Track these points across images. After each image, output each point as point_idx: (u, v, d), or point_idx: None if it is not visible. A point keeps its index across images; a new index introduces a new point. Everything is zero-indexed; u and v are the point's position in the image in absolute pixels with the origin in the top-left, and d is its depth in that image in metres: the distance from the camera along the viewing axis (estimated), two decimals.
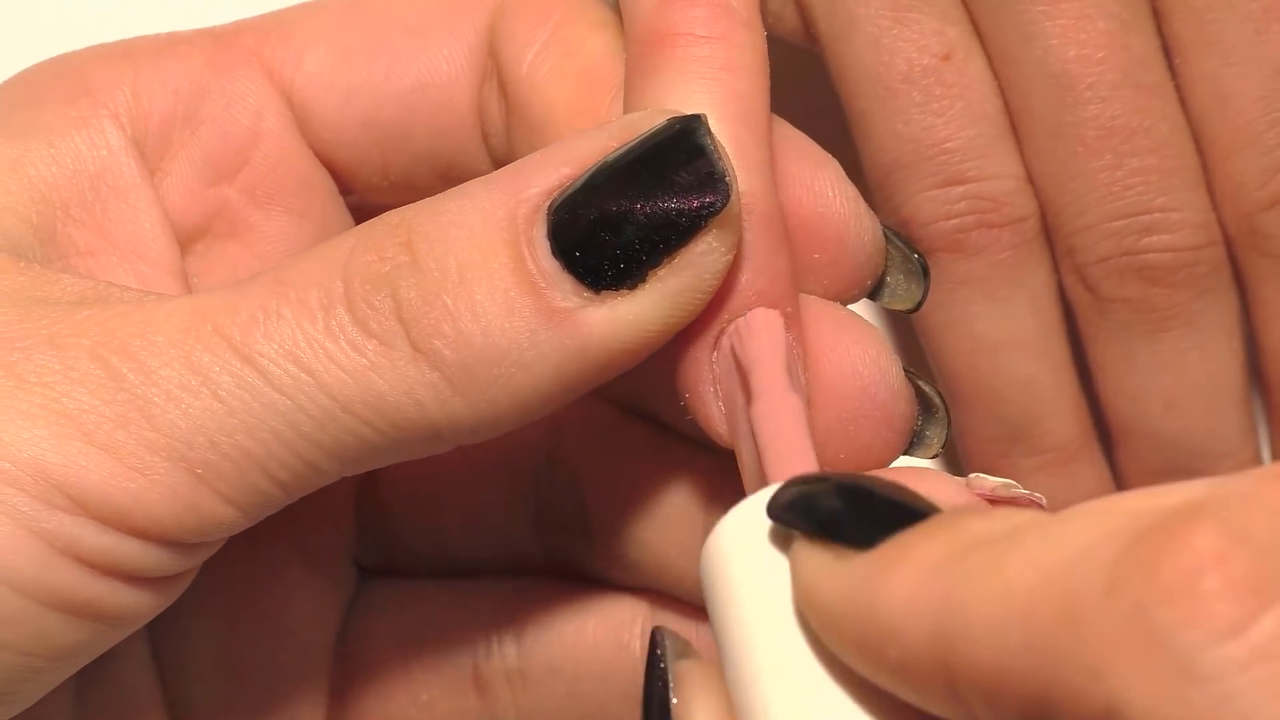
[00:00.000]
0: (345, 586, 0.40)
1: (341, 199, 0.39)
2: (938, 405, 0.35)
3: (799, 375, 0.33)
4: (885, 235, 0.35)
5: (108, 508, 0.32)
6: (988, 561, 0.27)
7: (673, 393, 0.34)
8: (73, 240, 0.36)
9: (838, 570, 0.29)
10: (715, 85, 0.33)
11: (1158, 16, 0.42)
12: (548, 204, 0.32)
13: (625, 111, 0.34)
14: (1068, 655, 0.26)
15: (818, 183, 0.35)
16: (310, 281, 0.33)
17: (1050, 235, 0.43)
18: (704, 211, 0.32)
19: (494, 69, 0.37)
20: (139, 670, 0.38)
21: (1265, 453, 0.44)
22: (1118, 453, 0.44)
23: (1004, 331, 0.42)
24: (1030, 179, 0.42)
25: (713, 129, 0.33)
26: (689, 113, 0.33)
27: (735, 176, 0.32)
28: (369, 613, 0.40)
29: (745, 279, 0.33)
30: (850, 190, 0.35)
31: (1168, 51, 0.42)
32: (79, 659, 0.33)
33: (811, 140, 0.35)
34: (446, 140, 0.37)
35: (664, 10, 0.34)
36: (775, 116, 0.35)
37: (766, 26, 0.34)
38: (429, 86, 0.37)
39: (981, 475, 0.34)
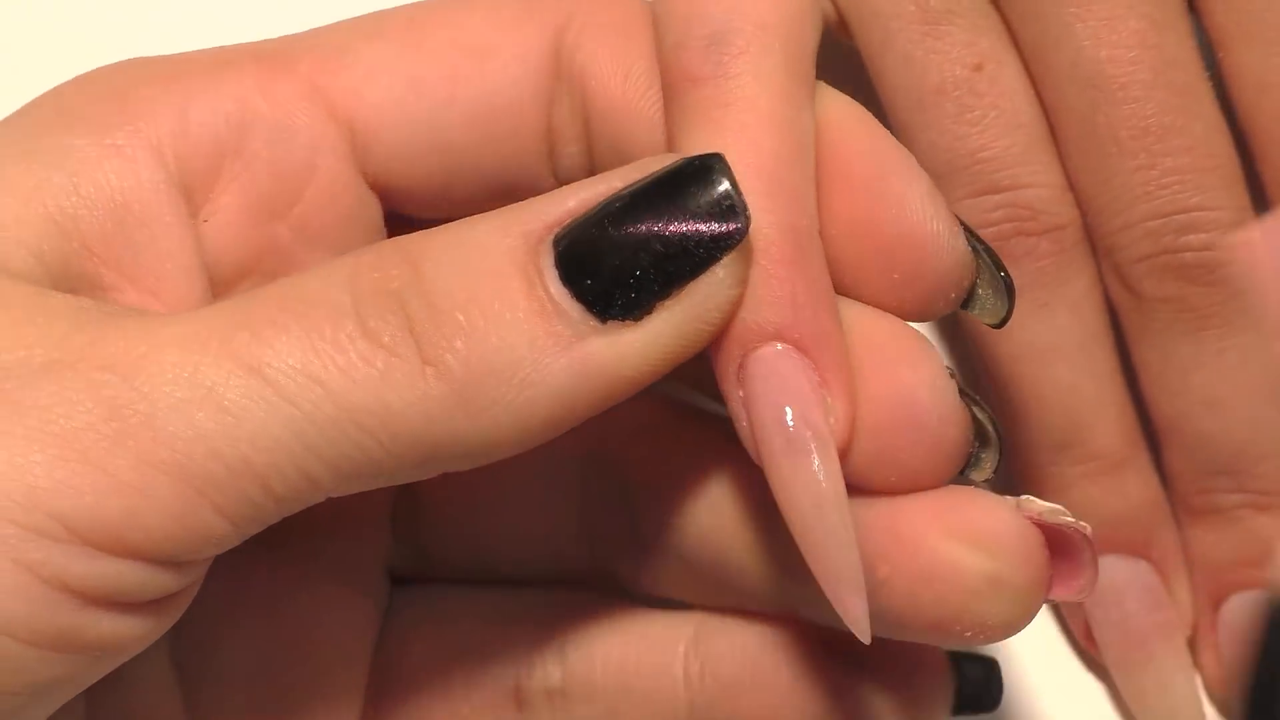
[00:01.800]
0: (379, 598, 0.40)
1: (384, 229, 0.38)
2: (990, 430, 0.35)
3: (818, 408, 0.33)
4: (975, 250, 0.35)
5: (99, 528, 0.31)
6: None
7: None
8: (86, 273, 0.35)
9: None
10: (739, 131, 0.34)
11: (1198, 11, 0.42)
12: (558, 231, 0.32)
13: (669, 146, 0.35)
14: None
15: (898, 196, 0.35)
16: (315, 297, 0.33)
17: (1092, 238, 0.43)
18: (721, 243, 0.32)
19: (567, 89, 0.36)
20: (158, 689, 0.38)
21: None
22: (1162, 454, 0.43)
23: (1046, 339, 0.42)
24: (1070, 184, 0.43)
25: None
26: (708, 152, 0.33)
27: (751, 212, 0.33)
28: (406, 625, 0.40)
29: (754, 311, 0.33)
30: (933, 205, 0.35)
31: (1211, 45, 0.42)
32: (64, 692, 0.33)
33: (897, 146, 0.35)
34: (512, 163, 0.37)
35: (688, 48, 0.34)
36: (861, 113, 0.35)
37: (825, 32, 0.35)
38: (496, 110, 0.37)
39: (1031, 499, 0.35)
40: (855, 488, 0.34)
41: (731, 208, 0.32)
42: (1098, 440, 0.43)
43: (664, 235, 0.32)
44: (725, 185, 0.32)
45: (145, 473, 0.31)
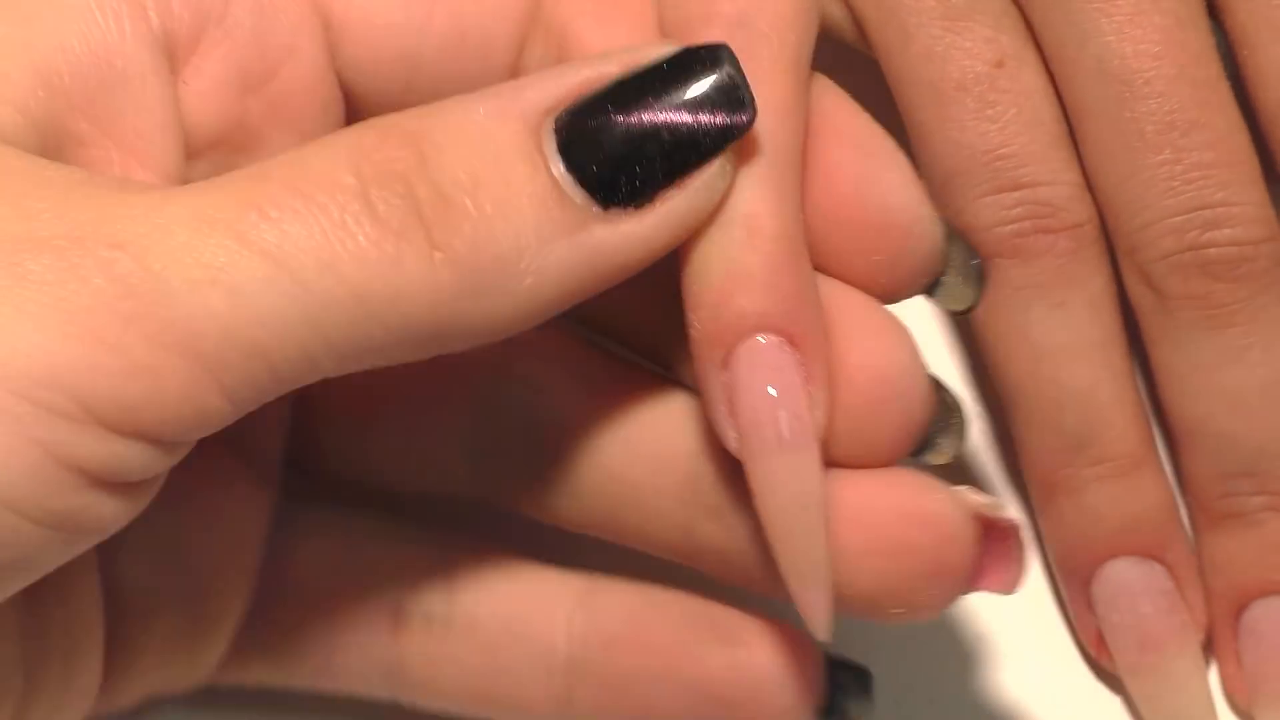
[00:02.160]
0: (273, 491, 0.40)
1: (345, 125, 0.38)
2: (956, 413, 0.36)
3: (806, 405, 0.33)
4: (947, 236, 0.36)
5: (115, 410, 0.31)
6: None
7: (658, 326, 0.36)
8: (71, 131, 0.35)
9: None
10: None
11: (1219, 12, 0.42)
12: (559, 114, 0.33)
13: None
14: None
15: (885, 182, 0.35)
16: (320, 177, 0.32)
17: (1112, 238, 0.43)
18: (728, 133, 0.33)
19: (543, 37, 0.36)
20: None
21: None
22: (1181, 457, 0.43)
23: (1063, 338, 0.42)
24: (1090, 183, 0.42)
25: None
26: (714, 43, 0.33)
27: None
28: (294, 535, 0.40)
29: (752, 301, 0.33)
30: (917, 191, 0.35)
31: (1234, 45, 0.42)
32: (40, 570, 0.33)
33: (883, 134, 0.35)
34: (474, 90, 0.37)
35: (712, 25, 0.34)
36: (851, 104, 0.35)
37: (825, 33, 0.35)
38: (469, 38, 0.36)
39: (968, 490, 0.35)
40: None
41: (740, 98, 0.33)
42: (1114, 442, 0.42)
43: (672, 125, 0.32)
44: (734, 75, 0.33)
45: (159, 354, 0.31)
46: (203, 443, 0.34)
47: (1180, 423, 0.43)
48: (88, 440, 0.31)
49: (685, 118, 0.32)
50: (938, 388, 0.35)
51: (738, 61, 0.33)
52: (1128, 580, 0.42)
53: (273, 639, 0.40)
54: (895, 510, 0.34)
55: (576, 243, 0.32)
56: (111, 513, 0.33)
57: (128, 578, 0.38)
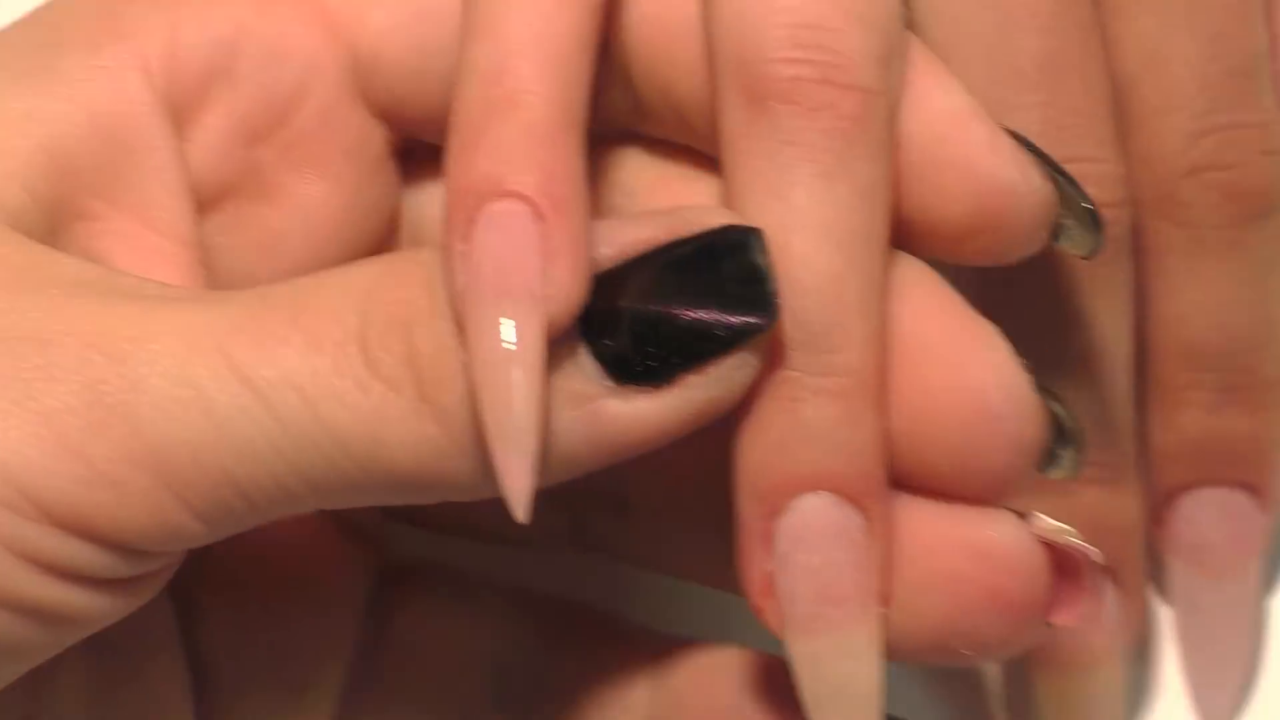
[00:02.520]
0: (376, 553, 0.39)
1: (391, 160, 0.37)
2: (1069, 426, 0.34)
3: (534, 271, 0.31)
4: (1056, 181, 0.35)
5: (70, 514, 0.31)
6: None
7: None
8: (80, 205, 0.35)
9: None
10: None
11: None
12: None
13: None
14: None
15: (982, 158, 0.34)
16: (324, 312, 0.32)
17: None
18: (747, 330, 0.31)
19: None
20: (160, 609, 0.37)
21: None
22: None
23: (823, 216, 0.34)
24: None
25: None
26: (746, 224, 0.32)
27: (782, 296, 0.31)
28: (396, 602, 0.39)
29: (495, 166, 0.31)
30: (1012, 150, 0.34)
31: (1102, 11, 0.42)
32: (31, 658, 0.33)
33: (972, 102, 0.34)
34: None
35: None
36: (946, 77, 0.34)
37: None
38: None
39: (1040, 515, 0.34)
40: (933, 495, 0.33)
41: (763, 294, 0.31)
42: (846, 350, 0.36)
43: (690, 316, 0.31)
44: (761, 267, 0.31)
45: (122, 466, 0.31)
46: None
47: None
48: (45, 537, 0.31)
49: (703, 312, 0.31)
50: (1048, 398, 0.34)
51: (767, 250, 0.32)
52: (824, 520, 0.34)
53: (374, 710, 0.39)
54: (953, 542, 0.33)
55: (584, 415, 0.31)
56: (97, 606, 0.32)
57: (217, 652, 0.38)
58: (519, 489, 0.31)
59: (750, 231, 0.32)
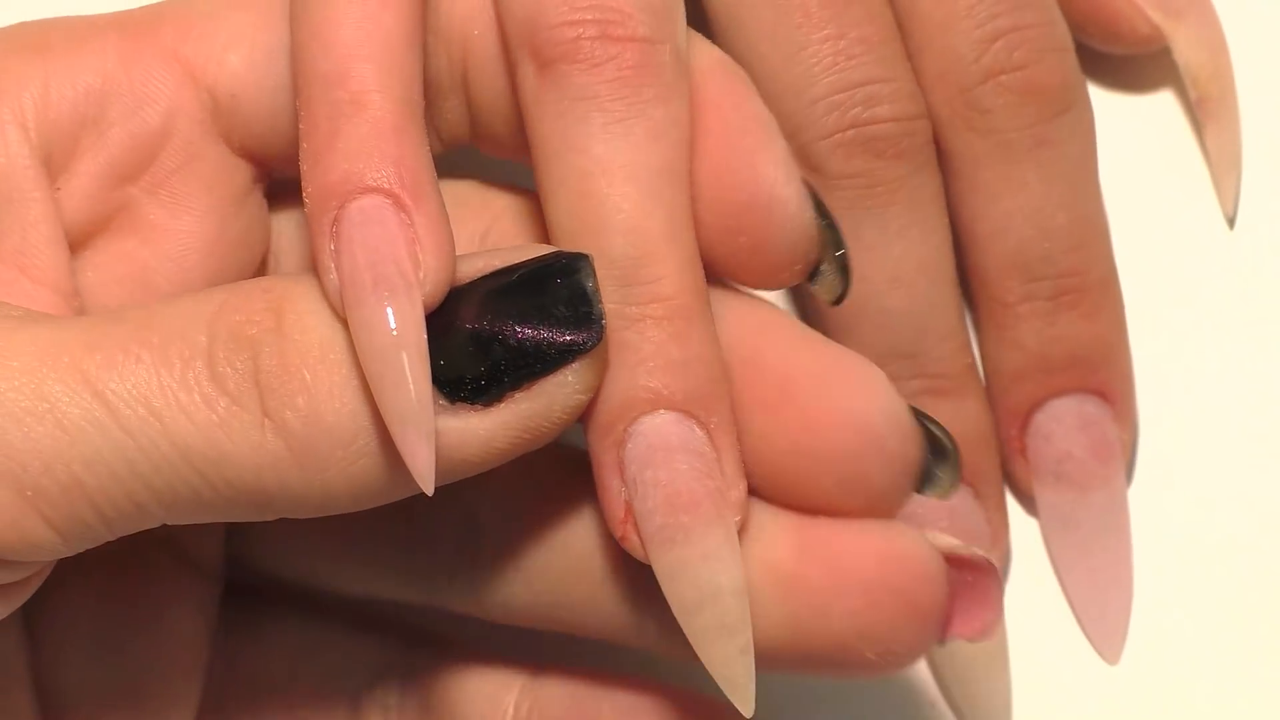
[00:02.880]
0: (217, 582, 0.40)
1: (260, 194, 0.38)
2: (946, 445, 0.36)
3: (405, 254, 0.33)
4: (822, 224, 0.36)
5: None
6: None
7: None
8: None
9: None
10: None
11: None
12: None
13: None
14: None
15: (757, 160, 0.35)
16: (175, 330, 0.33)
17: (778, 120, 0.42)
18: (574, 349, 0.33)
19: (444, 41, 0.37)
20: (7, 644, 0.38)
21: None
22: (846, 339, 0.43)
23: (624, 159, 0.35)
24: (751, 69, 0.41)
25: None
26: (576, 251, 0.33)
27: (607, 320, 0.33)
28: (246, 630, 0.40)
29: (354, 165, 0.33)
30: (790, 174, 0.35)
31: None
32: None
33: (767, 113, 0.36)
34: None
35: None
36: (740, 77, 0.36)
37: None
38: None
39: (938, 533, 0.35)
40: (821, 512, 0.34)
41: (588, 315, 0.33)
42: (661, 282, 0.36)
43: (516, 335, 0.33)
44: (587, 289, 0.33)
45: None
46: (137, 543, 0.36)
47: (843, 305, 0.42)
48: None
49: (530, 332, 0.33)
50: (924, 420, 0.35)
51: (594, 273, 0.33)
52: (665, 435, 0.35)
53: None
54: (868, 552, 0.34)
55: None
56: None
57: (65, 684, 0.38)
58: (424, 466, 0.32)
59: (579, 257, 0.33)
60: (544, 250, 0.33)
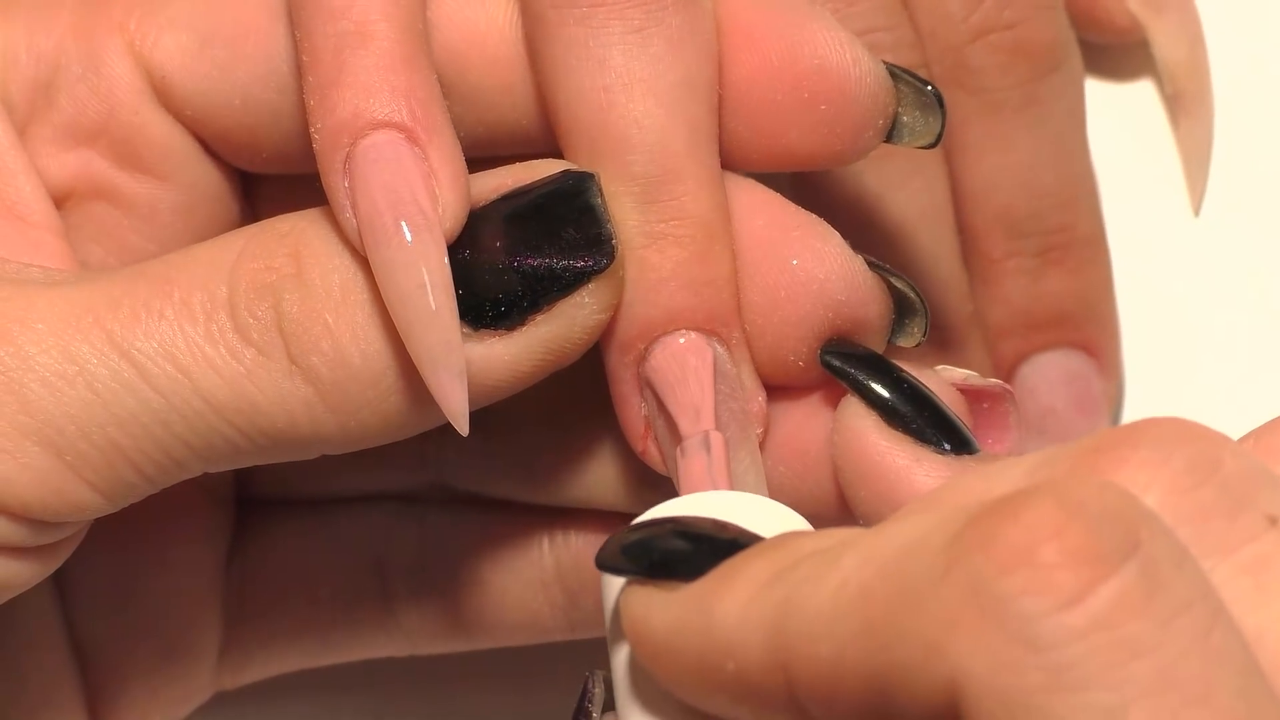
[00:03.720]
0: (228, 505, 0.40)
1: (213, 164, 0.38)
2: (912, 296, 0.35)
3: (424, 194, 0.33)
4: (893, 73, 0.35)
5: None
6: (820, 564, 0.27)
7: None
8: None
9: (667, 601, 0.29)
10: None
11: None
12: None
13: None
14: (905, 634, 0.25)
15: (809, 34, 0.34)
16: (195, 283, 0.33)
17: None
18: (588, 270, 0.33)
19: None
20: (40, 597, 0.38)
21: None
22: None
23: (642, 71, 0.34)
24: None
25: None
26: (583, 170, 0.33)
27: (619, 239, 0.33)
28: (262, 534, 0.40)
29: (364, 100, 0.33)
30: (845, 36, 0.35)
31: None
32: None
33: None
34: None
35: None
36: None
37: None
38: (292, 73, 0.36)
39: (948, 367, 0.35)
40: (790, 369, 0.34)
41: (598, 236, 0.33)
42: (685, 198, 0.36)
43: (530, 260, 0.33)
44: (596, 212, 0.33)
45: (14, 438, 0.32)
46: None
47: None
48: None
49: (543, 259, 0.33)
50: (886, 274, 0.35)
51: (601, 192, 0.33)
52: (686, 352, 0.35)
53: (263, 636, 0.40)
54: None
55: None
56: (10, 572, 0.33)
57: (92, 632, 0.39)
58: (458, 406, 0.32)
59: (585, 176, 0.33)
60: (553, 169, 0.34)
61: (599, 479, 0.37)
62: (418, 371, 0.32)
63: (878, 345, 0.35)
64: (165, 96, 0.37)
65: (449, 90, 0.35)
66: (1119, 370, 0.45)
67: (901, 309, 0.35)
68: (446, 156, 0.33)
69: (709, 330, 0.34)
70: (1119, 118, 0.48)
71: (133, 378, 0.32)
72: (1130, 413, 0.46)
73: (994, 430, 0.35)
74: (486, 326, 0.33)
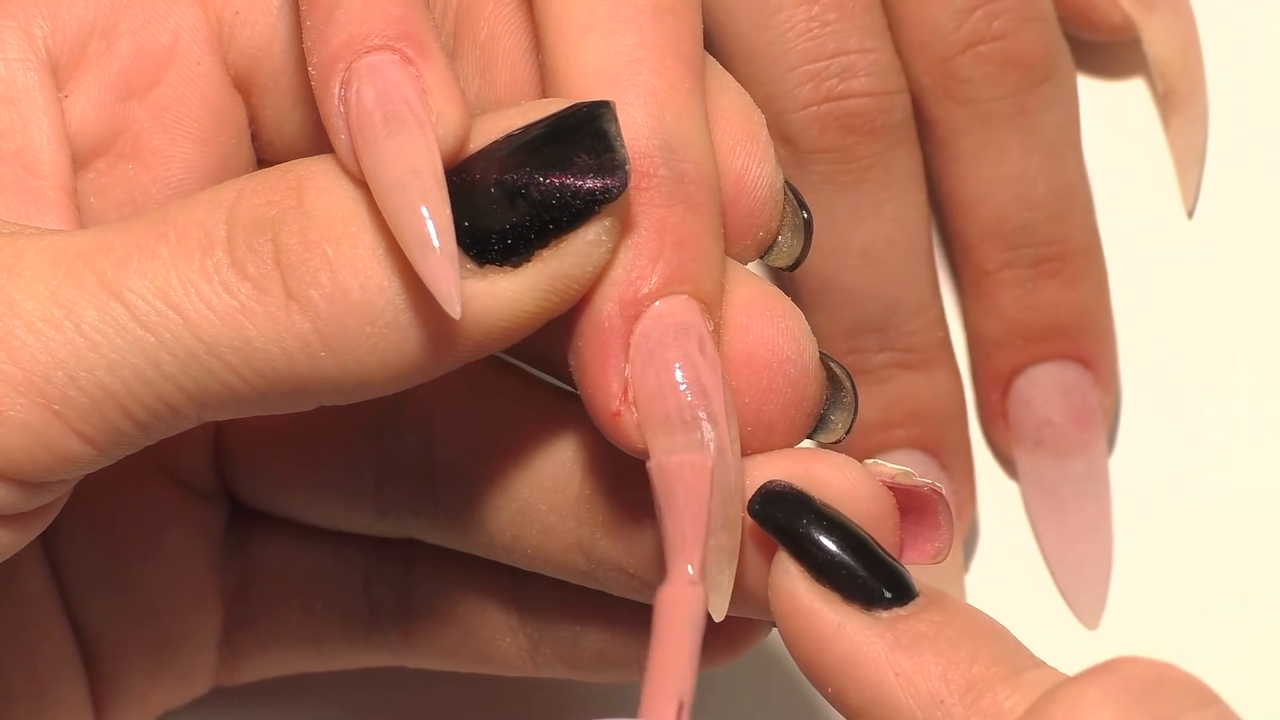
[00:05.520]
0: (218, 503, 0.39)
1: (249, 136, 0.38)
2: (847, 388, 0.34)
3: (415, 95, 0.32)
4: (786, 188, 0.35)
5: None
6: None
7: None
8: None
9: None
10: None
11: None
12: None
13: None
14: None
15: (746, 136, 0.34)
16: (193, 221, 0.32)
17: (748, 89, 0.41)
18: (600, 196, 0.32)
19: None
20: (39, 585, 0.38)
21: (951, 312, 0.45)
22: (813, 316, 0.42)
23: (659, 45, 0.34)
24: (720, 40, 0.42)
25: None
26: (598, 99, 0.32)
27: (632, 165, 0.32)
28: (252, 539, 0.40)
29: (355, 25, 0.32)
30: (768, 144, 0.34)
31: None
32: None
33: (735, 83, 0.35)
34: None
35: None
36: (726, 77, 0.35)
37: None
38: None
39: (879, 461, 0.34)
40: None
41: (613, 161, 0.32)
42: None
43: (542, 186, 0.32)
44: (610, 135, 0.32)
45: (3, 393, 0.31)
46: (133, 473, 0.36)
47: (812, 280, 0.43)
48: None
49: (555, 180, 0.32)
50: (828, 365, 0.34)
51: (616, 119, 0.32)
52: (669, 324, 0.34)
53: (261, 638, 0.40)
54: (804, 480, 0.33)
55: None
56: None
57: (91, 619, 0.38)
58: (449, 289, 0.31)
59: (600, 104, 0.32)
60: (563, 103, 0.32)
61: (535, 550, 0.36)
62: (420, 310, 0.31)
63: (804, 428, 0.34)
64: (230, 45, 0.37)
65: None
66: (1116, 382, 0.45)
67: (832, 401, 0.34)
68: (441, 76, 0.32)
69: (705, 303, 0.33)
70: (1113, 118, 0.48)
71: (122, 317, 0.31)
72: (1126, 414, 0.46)
73: (925, 530, 0.34)
74: (491, 261, 0.31)
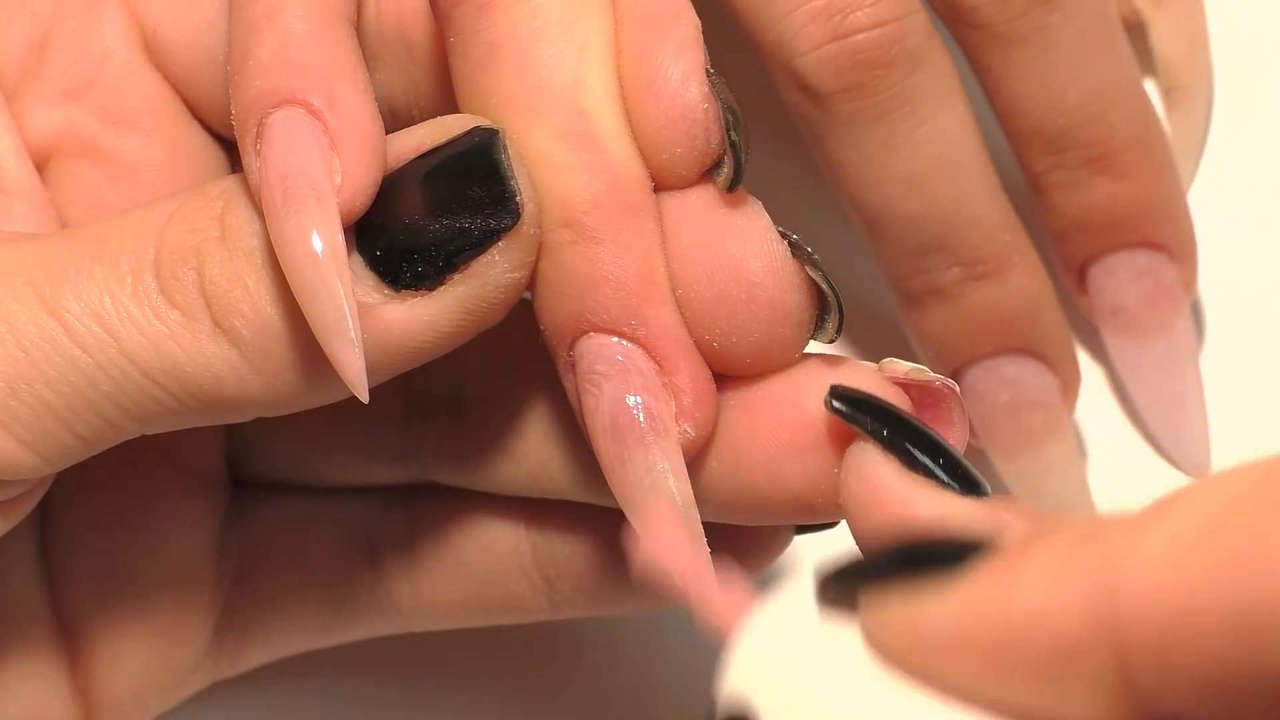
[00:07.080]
0: (220, 488, 0.40)
1: (197, 123, 0.39)
2: (826, 290, 0.34)
3: (319, 167, 0.32)
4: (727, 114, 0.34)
5: None
6: (1133, 528, 0.25)
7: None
8: None
9: (941, 594, 0.26)
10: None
11: None
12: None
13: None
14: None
15: (671, 68, 0.34)
16: (125, 245, 0.33)
17: (754, 38, 0.41)
18: (495, 227, 0.33)
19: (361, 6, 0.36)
20: (25, 579, 0.38)
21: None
22: (875, 247, 0.43)
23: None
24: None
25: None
26: (489, 126, 0.33)
27: (527, 197, 0.33)
28: (254, 516, 0.40)
29: (265, 80, 0.33)
30: (694, 66, 0.34)
31: None
32: None
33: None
34: None
35: None
36: None
37: None
38: None
39: (894, 360, 0.34)
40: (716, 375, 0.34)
41: (502, 194, 0.33)
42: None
43: (440, 221, 0.33)
44: (501, 171, 0.33)
45: None
46: (137, 461, 0.36)
47: (864, 213, 0.43)
48: None
49: (449, 219, 0.33)
50: (805, 263, 0.34)
51: (505, 149, 0.33)
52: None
53: (264, 616, 0.40)
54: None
55: (365, 326, 0.32)
56: None
57: (82, 613, 0.39)
58: (354, 373, 0.32)
59: (490, 134, 0.33)
60: (464, 125, 0.33)
61: (560, 473, 0.37)
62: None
63: (798, 340, 0.34)
64: (155, 52, 0.38)
65: (396, 51, 0.36)
66: (1192, 252, 0.45)
67: (819, 303, 0.34)
68: (349, 126, 0.33)
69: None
70: None
71: (59, 336, 0.32)
72: (1124, 410, 0.47)
73: (939, 425, 0.34)
74: (407, 287, 0.33)
